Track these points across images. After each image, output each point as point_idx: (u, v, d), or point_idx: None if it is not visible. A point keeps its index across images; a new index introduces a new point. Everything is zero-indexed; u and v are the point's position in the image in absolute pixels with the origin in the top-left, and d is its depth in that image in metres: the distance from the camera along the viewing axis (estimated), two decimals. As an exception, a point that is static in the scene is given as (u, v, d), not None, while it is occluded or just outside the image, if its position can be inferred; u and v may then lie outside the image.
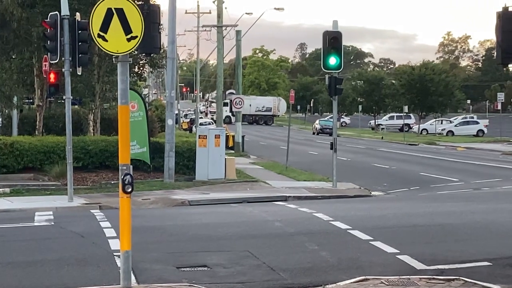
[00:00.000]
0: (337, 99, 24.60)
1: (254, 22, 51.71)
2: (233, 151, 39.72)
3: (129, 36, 9.22)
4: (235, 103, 42.36)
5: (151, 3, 10.94)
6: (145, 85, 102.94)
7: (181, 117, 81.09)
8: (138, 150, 25.20)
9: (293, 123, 72.62)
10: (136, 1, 9.68)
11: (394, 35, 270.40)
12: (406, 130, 74.75)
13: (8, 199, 20.36)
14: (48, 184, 23.54)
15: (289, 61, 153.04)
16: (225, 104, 69.80)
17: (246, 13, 55.42)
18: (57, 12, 19.28)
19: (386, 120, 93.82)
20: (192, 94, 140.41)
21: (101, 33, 9.18)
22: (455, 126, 77.61)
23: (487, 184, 26.46)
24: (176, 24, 26.49)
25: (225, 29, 47.72)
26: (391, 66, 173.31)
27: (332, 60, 23.43)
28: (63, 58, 19.39)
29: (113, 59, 9.70)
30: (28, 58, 29.04)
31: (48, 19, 19.52)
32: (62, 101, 32.28)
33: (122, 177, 9.10)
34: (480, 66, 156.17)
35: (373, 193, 24.21)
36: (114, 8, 9.18)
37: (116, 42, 9.21)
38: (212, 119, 75.59)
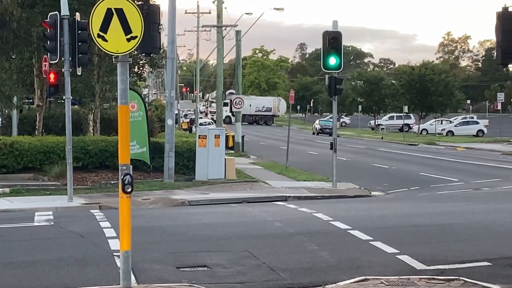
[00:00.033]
0: (337, 99, 24.60)
1: (254, 22, 51.75)
2: (233, 151, 39.73)
3: (129, 36, 9.22)
4: (235, 103, 42.36)
5: (151, 3, 10.93)
6: (145, 85, 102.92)
7: (181, 117, 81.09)
8: (138, 150, 25.20)
9: (293, 123, 72.64)
10: (136, 1, 9.67)
11: (394, 35, 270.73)
12: (406, 130, 74.76)
13: (8, 199, 20.36)
14: (48, 184, 23.54)
15: (289, 61, 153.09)
16: (225, 104, 69.78)
17: (246, 13, 55.46)
18: (57, 12, 19.27)
19: (386, 120, 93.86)
20: (192, 94, 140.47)
21: (101, 33, 9.17)
22: (455, 126, 77.63)
23: (487, 184, 26.46)
24: (176, 24, 26.49)
25: (225, 29, 47.76)
26: (391, 66, 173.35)
27: (332, 60, 23.43)
28: (63, 58, 19.39)
29: (113, 59, 9.70)
30: (28, 58, 29.04)
31: (48, 19, 19.52)
32: (62, 101, 32.29)
33: (122, 177, 9.10)
34: (480, 66, 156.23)
35: (373, 193, 24.21)
36: (114, 8, 9.17)
37: (116, 42, 9.21)
38: (212, 119, 75.59)
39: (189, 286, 9.72)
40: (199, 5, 74.71)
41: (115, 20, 9.17)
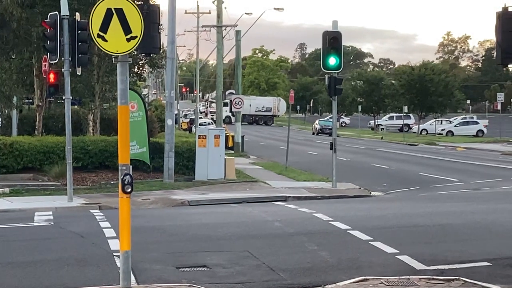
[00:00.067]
0: (336, 99, 24.59)
1: (253, 22, 51.75)
2: (232, 151, 39.73)
3: (128, 36, 9.22)
4: (235, 103, 42.36)
5: (151, 3, 10.93)
6: (144, 85, 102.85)
7: (181, 117, 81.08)
8: (138, 150, 25.19)
9: (293, 123, 72.64)
10: (135, 1, 9.67)
11: (394, 35, 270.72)
12: (405, 130, 74.77)
13: (8, 199, 20.35)
14: (47, 184, 23.54)
15: (289, 61, 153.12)
16: (225, 104, 69.79)
17: (245, 13, 55.48)
18: (56, 12, 19.27)
19: (386, 120, 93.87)
20: (192, 94, 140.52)
21: (101, 33, 9.17)
22: (455, 126, 77.65)
23: (487, 184, 26.46)
24: (176, 24, 26.49)
25: (225, 29, 47.75)
26: (391, 66, 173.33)
27: (332, 60, 23.42)
28: (62, 58, 19.38)
29: (113, 59, 9.70)
30: (28, 58, 29.03)
31: (48, 19, 19.52)
32: (62, 101, 32.28)
33: (122, 177, 9.10)
34: (479, 66, 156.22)
35: (372, 193, 24.21)
36: (114, 8, 9.17)
37: (115, 42, 9.20)
38: (212, 119, 75.58)
39: (189, 286, 9.72)
40: (199, 5, 74.90)
41: (115, 20, 9.17)
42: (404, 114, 72.94)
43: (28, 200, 20.34)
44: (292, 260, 11.24)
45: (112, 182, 23.44)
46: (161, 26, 18.55)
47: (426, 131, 79.27)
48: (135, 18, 9.24)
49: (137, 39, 9.26)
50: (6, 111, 33.81)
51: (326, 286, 9.71)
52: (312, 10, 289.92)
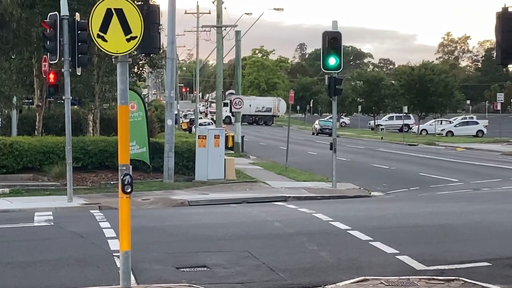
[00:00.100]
0: (336, 100, 24.60)
1: (253, 22, 51.72)
2: (232, 152, 39.73)
3: (128, 37, 9.22)
4: (235, 103, 42.35)
5: (151, 3, 10.93)
6: (144, 85, 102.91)
7: (181, 118, 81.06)
8: (138, 151, 25.20)
9: (293, 124, 72.64)
10: (135, 2, 9.67)
11: (394, 35, 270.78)
12: (405, 130, 74.79)
13: (8, 199, 20.35)
14: (47, 185, 23.54)
15: (289, 61, 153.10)
16: (225, 105, 69.79)
17: (245, 14, 55.40)
18: (56, 13, 19.26)
19: (386, 120, 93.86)
20: (192, 95, 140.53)
21: (101, 33, 9.17)
22: (455, 126, 77.67)
23: (486, 185, 26.46)
24: (176, 24, 26.48)
25: (225, 29, 47.74)
26: (391, 67, 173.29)
27: (332, 61, 23.42)
28: (62, 59, 19.38)
29: (113, 59, 9.70)
30: (28, 58, 29.03)
31: (48, 20, 19.51)
32: (62, 101, 32.26)
33: (122, 177, 9.10)
34: (479, 66, 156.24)
35: (372, 193, 24.21)
36: (114, 9, 9.17)
37: (115, 43, 9.20)
38: (211, 119, 75.58)
39: (189, 286, 9.72)
40: (199, 5, 74.83)
41: (114, 20, 9.17)
42: (404, 114, 72.94)
43: (28, 200, 20.34)
44: (292, 260, 11.24)
45: (112, 182, 23.44)
46: (161, 26, 18.53)
47: (426, 131, 79.29)
48: (135, 18, 9.24)
49: (137, 39, 9.26)
50: (6, 111, 33.80)
51: (326, 286, 9.71)
52: (312, 10, 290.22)
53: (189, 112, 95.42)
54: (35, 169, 24.96)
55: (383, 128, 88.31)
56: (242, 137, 43.03)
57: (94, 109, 31.70)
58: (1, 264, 11.16)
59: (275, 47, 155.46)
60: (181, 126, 72.69)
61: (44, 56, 22.39)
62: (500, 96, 69.63)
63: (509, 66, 18.59)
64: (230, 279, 10.19)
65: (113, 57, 9.50)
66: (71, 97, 20.88)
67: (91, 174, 25.36)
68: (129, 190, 9.10)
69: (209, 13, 70.70)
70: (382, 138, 68.78)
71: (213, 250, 12.19)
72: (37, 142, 25.37)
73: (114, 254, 11.42)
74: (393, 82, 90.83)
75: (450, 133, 74.63)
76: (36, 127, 29.71)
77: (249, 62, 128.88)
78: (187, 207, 19.56)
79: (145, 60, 35.66)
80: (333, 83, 23.87)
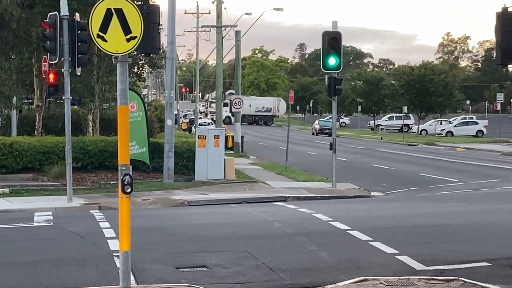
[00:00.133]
0: (336, 100, 24.61)
1: (253, 22, 51.71)
2: (232, 152, 39.72)
3: (128, 37, 9.22)
4: (235, 103, 42.34)
5: (151, 3, 10.93)
6: (144, 85, 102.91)
7: (181, 118, 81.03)
8: (138, 151, 25.20)
9: (293, 124, 72.62)
10: (135, 2, 9.67)
11: (394, 35, 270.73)
12: (405, 130, 74.80)
13: (8, 200, 20.35)
14: (47, 185, 23.53)
15: (289, 61, 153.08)
16: (225, 105, 69.73)
17: (245, 14, 55.40)
18: (56, 13, 19.26)
19: (386, 120, 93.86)
20: (192, 95, 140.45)
21: (101, 33, 9.17)
22: (455, 126, 77.69)
23: (486, 185, 26.47)
24: (176, 24, 26.49)
25: (225, 29, 47.74)
26: (391, 67, 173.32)
27: (332, 61, 23.42)
28: (62, 59, 19.38)
29: (113, 59, 9.70)
30: (28, 58, 29.02)
31: (48, 20, 19.51)
32: (62, 101, 32.24)
33: (122, 177, 9.10)
34: (479, 66, 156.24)
35: (372, 193, 24.21)
36: (114, 9, 9.16)
37: (115, 43, 9.20)
38: (211, 119, 75.57)
39: (189, 286, 9.72)
40: (199, 6, 74.72)
41: (114, 20, 9.17)
42: (404, 114, 72.95)
43: (28, 200, 20.34)
44: (292, 260, 11.24)
45: (111, 183, 23.44)
46: (160, 26, 18.51)
47: (426, 131, 79.31)
48: (135, 18, 9.24)
49: (136, 39, 9.26)
50: (6, 111, 33.80)
51: (326, 286, 9.71)
52: (312, 10, 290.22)
53: (189, 112, 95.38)
54: (35, 169, 24.96)
55: (383, 128, 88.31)
56: (242, 137, 43.04)
57: (94, 109, 31.70)
58: (1, 264, 11.16)
59: (275, 47, 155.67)
60: (181, 126, 72.67)
61: (44, 56, 22.39)
62: (500, 96, 69.65)
63: (509, 66, 18.60)
64: (230, 279, 10.19)
65: (113, 57, 9.50)
66: (71, 97, 20.87)
67: (91, 174, 25.36)
68: (129, 190, 9.10)
69: (209, 13, 70.75)
70: (382, 138, 68.77)
71: (213, 250, 12.19)
72: (37, 142, 25.37)
73: (114, 254, 11.43)
74: (393, 82, 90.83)
75: (450, 133, 74.64)
76: (36, 127, 29.71)
77: (249, 62, 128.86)
78: (187, 207, 19.56)
79: (145, 60, 35.64)
80: (333, 83, 23.88)
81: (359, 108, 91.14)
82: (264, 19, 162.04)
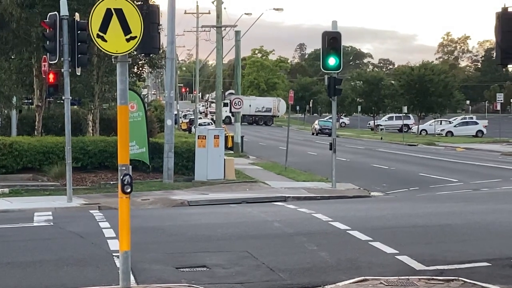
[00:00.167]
0: (336, 100, 24.60)
1: (253, 22, 51.77)
2: (232, 152, 39.72)
3: (128, 37, 9.22)
4: (234, 103, 42.34)
5: (150, 3, 10.93)
6: (144, 85, 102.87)
7: (180, 118, 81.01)
8: (137, 151, 25.20)
9: (292, 124, 72.63)
10: (135, 2, 9.67)
11: (394, 35, 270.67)
12: (405, 130, 74.81)
13: (7, 200, 20.36)
14: (47, 185, 23.53)
15: (288, 61, 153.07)
16: (225, 105, 69.72)
17: (245, 14, 55.42)
18: (56, 13, 19.26)
19: (385, 120, 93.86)
20: (191, 95, 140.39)
21: (100, 33, 9.17)
22: (455, 126, 77.70)
23: (486, 185, 26.47)
24: (176, 24, 26.49)
25: (224, 29, 47.74)
26: (391, 67, 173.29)
27: (331, 61, 23.42)
28: (62, 59, 19.38)
29: (112, 59, 9.70)
30: (27, 58, 29.01)
31: (47, 20, 19.51)
32: (61, 101, 32.20)
33: (121, 177, 9.10)
34: (479, 66, 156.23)
35: (372, 193, 24.21)
36: (113, 9, 9.16)
37: (115, 43, 9.20)
38: (211, 119, 75.56)
39: (188, 286, 9.72)
40: (199, 6, 74.73)
41: (114, 20, 9.17)
42: (404, 114, 72.95)
43: (28, 200, 20.34)
44: (292, 260, 11.24)
45: (111, 183, 23.44)
46: (160, 26, 18.48)
47: (426, 131, 79.32)
48: (135, 18, 9.24)
49: (136, 39, 9.26)
50: (6, 111, 33.79)
51: (326, 286, 9.71)
52: (312, 10, 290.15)
53: (188, 112, 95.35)
54: (34, 169, 24.96)
55: (383, 128, 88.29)
56: (242, 137, 43.03)
57: (93, 109, 31.69)
58: (1, 264, 11.16)
59: (275, 47, 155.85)
60: (180, 126, 72.65)
61: (44, 56, 22.38)
62: (500, 96, 69.65)
63: (509, 66, 18.59)
64: (229, 279, 10.19)
65: (112, 57, 9.50)
66: (70, 97, 20.86)
67: (91, 174, 25.36)
68: (128, 190, 9.10)
69: (209, 13, 70.75)
70: (381, 138, 68.77)
71: (213, 250, 12.19)
72: (37, 142, 25.37)
73: (113, 254, 11.43)
74: (392, 82, 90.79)
75: (449, 133, 74.66)
76: (36, 127, 29.70)
77: (249, 62, 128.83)
78: (186, 207, 19.56)
79: (144, 60, 35.63)
80: (333, 83, 23.88)
81: (359, 108, 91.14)
82: (264, 19, 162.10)
